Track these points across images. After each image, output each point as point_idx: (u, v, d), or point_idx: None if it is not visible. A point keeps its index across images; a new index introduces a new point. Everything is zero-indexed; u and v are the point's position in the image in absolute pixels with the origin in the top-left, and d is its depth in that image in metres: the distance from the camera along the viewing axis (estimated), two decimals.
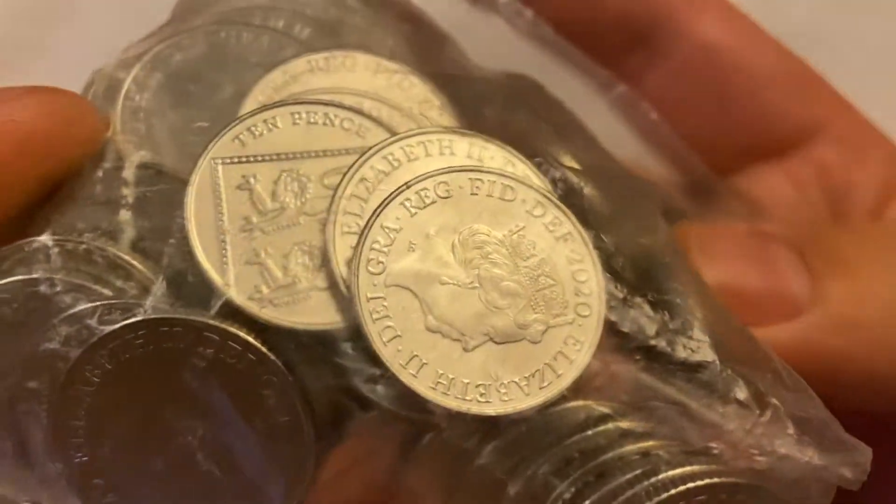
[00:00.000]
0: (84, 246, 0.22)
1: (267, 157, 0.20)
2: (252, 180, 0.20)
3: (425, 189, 0.20)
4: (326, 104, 0.21)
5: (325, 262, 0.20)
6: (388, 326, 0.19)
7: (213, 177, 0.20)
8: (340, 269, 0.19)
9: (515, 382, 0.20)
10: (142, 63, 0.24)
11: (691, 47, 0.28)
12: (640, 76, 0.29)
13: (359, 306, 0.19)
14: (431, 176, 0.20)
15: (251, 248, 0.20)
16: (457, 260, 0.20)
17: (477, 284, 0.20)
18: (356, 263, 0.19)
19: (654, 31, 0.28)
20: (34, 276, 0.22)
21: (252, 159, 0.20)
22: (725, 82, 0.28)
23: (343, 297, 0.19)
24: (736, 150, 0.29)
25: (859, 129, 0.29)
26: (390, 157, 0.20)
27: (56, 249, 0.22)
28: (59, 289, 0.22)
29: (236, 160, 0.20)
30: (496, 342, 0.20)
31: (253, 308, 0.20)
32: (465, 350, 0.19)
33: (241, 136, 0.20)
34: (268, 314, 0.20)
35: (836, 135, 0.28)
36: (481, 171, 0.20)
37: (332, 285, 0.20)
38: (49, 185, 0.23)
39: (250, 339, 0.21)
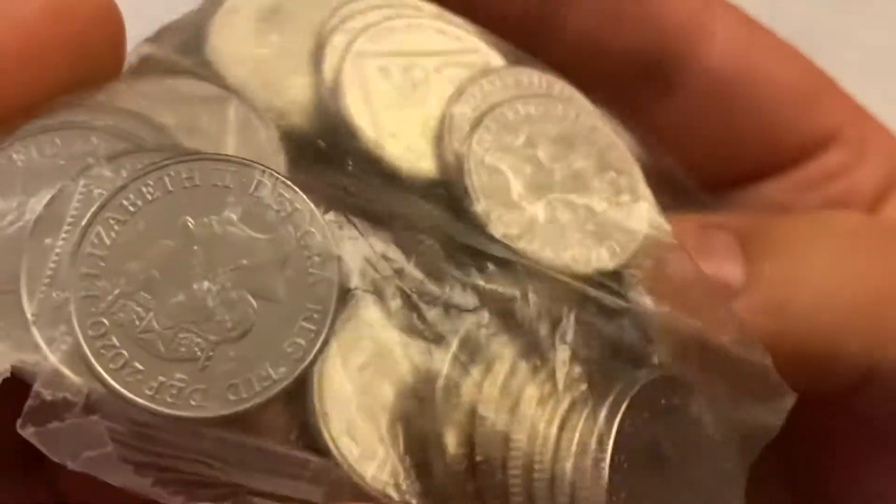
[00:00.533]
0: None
1: (392, 53, 0.25)
2: (389, 69, 0.25)
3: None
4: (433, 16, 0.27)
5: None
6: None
7: (359, 67, 0.25)
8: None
9: None
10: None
11: (702, 78, 0.29)
12: (652, 109, 0.29)
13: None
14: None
15: (395, 117, 0.25)
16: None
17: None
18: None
19: (664, 63, 0.29)
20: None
21: (382, 55, 0.25)
22: (736, 108, 0.29)
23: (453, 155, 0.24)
24: (746, 171, 0.30)
25: (867, 132, 0.30)
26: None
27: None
28: (107, 137, 0.23)
29: (372, 55, 0.25)
30: None
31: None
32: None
33: (372, 38, 0.25)
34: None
35: (846, 141, 0.29)
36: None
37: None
38: (85, 58, 0.23)
39: (299, 190, 0.22)
